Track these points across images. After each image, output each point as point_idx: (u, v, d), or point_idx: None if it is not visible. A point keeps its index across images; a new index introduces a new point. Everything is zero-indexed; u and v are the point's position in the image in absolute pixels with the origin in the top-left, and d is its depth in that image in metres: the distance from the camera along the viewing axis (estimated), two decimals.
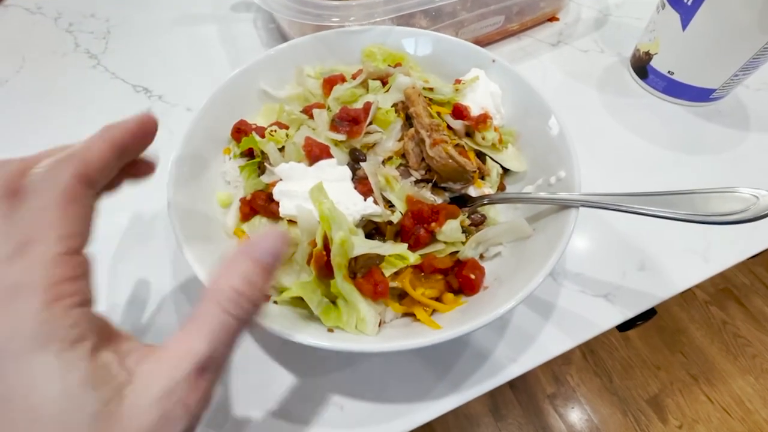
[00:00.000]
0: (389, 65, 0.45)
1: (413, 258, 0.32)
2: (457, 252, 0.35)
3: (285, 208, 0.33)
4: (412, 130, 0.39)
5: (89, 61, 0.61)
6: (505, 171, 0.42)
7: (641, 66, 0.56)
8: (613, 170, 0.48)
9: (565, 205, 0.33)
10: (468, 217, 0.37)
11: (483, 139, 0.40)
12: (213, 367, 0.18)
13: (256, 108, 0.45)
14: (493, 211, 0.39)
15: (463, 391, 0.34)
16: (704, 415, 1.25)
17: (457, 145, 0.38)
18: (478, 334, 0.36)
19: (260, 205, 0.35)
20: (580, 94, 0.56)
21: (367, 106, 0.38)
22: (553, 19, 0.66)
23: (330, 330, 0.30)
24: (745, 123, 0.53)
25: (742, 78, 0.50)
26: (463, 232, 0.35)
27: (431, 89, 0.42)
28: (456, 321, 0.30)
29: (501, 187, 0.41)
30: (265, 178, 0.36)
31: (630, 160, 0.50)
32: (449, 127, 0.40)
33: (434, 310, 0.33)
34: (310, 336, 0.27)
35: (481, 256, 0.37)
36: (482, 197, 0.38)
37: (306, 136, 0.37)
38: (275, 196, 0.34)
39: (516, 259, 0.35)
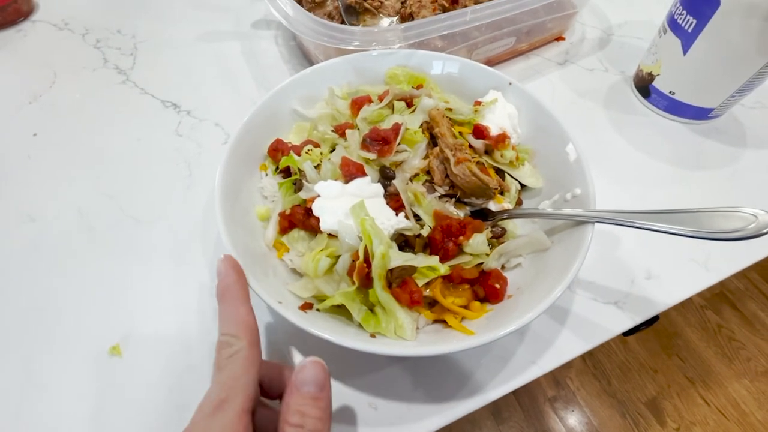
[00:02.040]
0: (412, 87, 0.48)
1: (443, 269, 0.35)
2: (482, 263, 0.38)
3: (326, 224, 0.36)
4: (436, 149, 0.42)
5: (118, 76, 0.63)
6: (522, 187, 0.45)
7: (644, 86, 0.59)
8: (619, 184, 0.52)
9: (581, 221, 0.36)
10: (490, 230, 0.40)
11: (501, 156, 0.43)
12: None
13: (288, 126, 0.48)
14: (511, 225, 0.42)
15: (488, 392, 0.37)
16: (701, 418, 1.28)
17: (478, 163, 0.41)
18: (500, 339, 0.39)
19: (299, 219, 0.38)
20: (587, 111, 0.60)
21: (397, 127, 0.41)
22: (559, 38, 0.70)
23: (372, 335, 0.33)
24: (741, 140, 0.57)
25: (738, 98, 0.54)
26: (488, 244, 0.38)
27: (451, 110, 0.45)
28: (484, 327, 0.33)
29: (518, 202, 0.44)
30: (303, 194, 0.39)
31: (634, 174, 0.53)
32: (470, 146, 0.43)
33: (463, 317, 0.35)
34: (359, 341, 0.30)
35: (503, 267, 0.39)
36: (502, 212, 0.41)
37: (342, 156, 0.40)
38: (315, 212, 0.37)
39: (535, 270, 0.38)
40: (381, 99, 0.46)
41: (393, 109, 0.45)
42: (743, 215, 0.30)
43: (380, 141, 0.41)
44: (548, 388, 1.34)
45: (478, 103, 0.46)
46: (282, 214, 0.40)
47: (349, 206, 0.36)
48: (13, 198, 0.50)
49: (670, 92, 0.56)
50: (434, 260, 0.35)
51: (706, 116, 0.56)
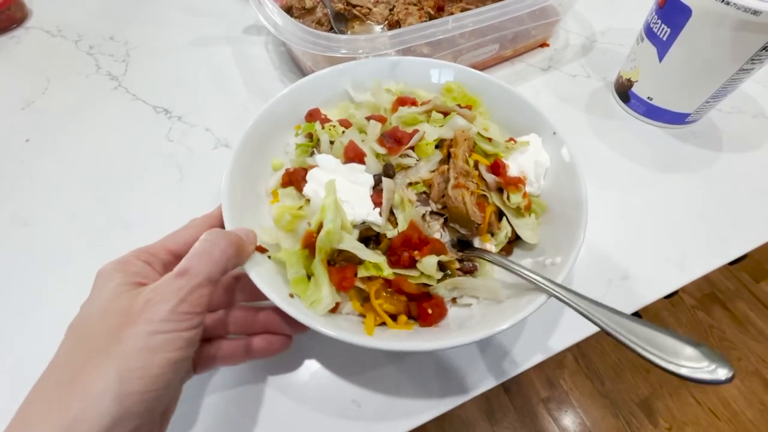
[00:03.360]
0: (459, 105, 0.48)
1: (387, 272, 0.36)
2: (429, 286, 0.37)
3: (306, 189, 0.39)
4: (445, 166, 0.42)
5: (111, 82, 0.65)
6: (518, 238, 0.42)
7: (624, 91, 0.61)
8: (599, 187, 0.53)
9: (539, 287, 0.34)
10: (460, 261, 0.39)
11: (508, 200, 0.41)
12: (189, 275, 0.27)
13: (337, 102, 0.51)
14: (488, 267, 0.40)
15: (463, 393, 0.38)
16: (693, 417, 1.29)
17: (481, 196, 0.41)
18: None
19: (296, 179, 0.41)
20: (569, 116, 0.61)
21: (414, 133, 0.42)
22: (543, 45, 0.71)
23: (291, 296, 0.34)
24: (717, 144, 0.58)
25: (713, 103, 0.55)
26: (445, 270, 0.38)
27: (488, 139, 0.44)
28: (392, 336, 0.35)
29: (507, 250, 0.42)
30: (311, 160, 0.43)
31: (614, 178, 0.54)
32: (482, 178, 0.42)
33: (382, 323, 0.36)
34: (275, 294, 0.33)
35: (454, 300, 0.39)
36: (480, 250, 0.40)
37: (350, 140, 0.42)
38: (307, 177, 0.40)
39: (482, 316, 0.36)
40: (423, 104, 0.47)
41: (428, 118, 0.46)
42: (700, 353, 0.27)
43: (395, 140, 0.42)
44: (542, 388, 1.35)
45: (511, 140, 0.45)
46: (287, 170, 0.43)
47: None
48: (7, 203, 0.51)
49: (649, 98, 0.58)
50: (381, 259, 0.36)
51: (683, 121, 0.58)
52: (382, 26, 0.65)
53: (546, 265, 0.38)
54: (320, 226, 0.35)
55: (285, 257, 0.36)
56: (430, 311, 0.36)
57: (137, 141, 0.57)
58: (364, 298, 0.37)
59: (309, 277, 0.36)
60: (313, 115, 0.46)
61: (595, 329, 0.40)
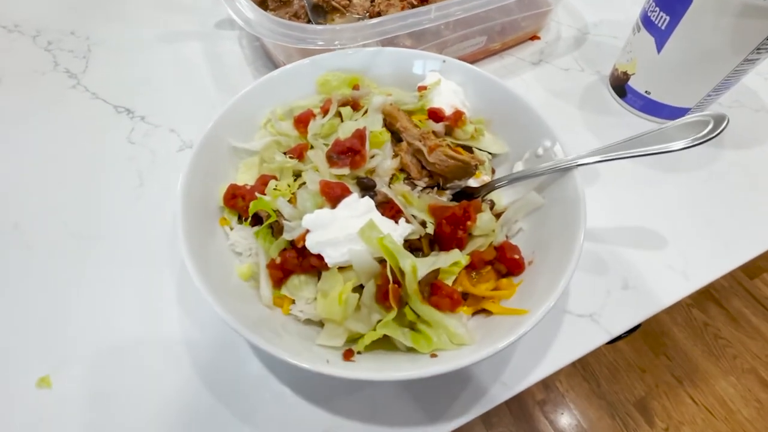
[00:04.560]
0: (354, 88, 0.46)
1: (465, 260, 0.34)
2: (492, 241, 0.37)
3: (333, 258, 0.32)
4: (403, 144, 0.40)
5: (69, 80, 0.60)
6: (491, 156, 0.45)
7: (620, 85, 0.57)
8: (594, 187, 0.50)
9: (564, 169, 0.37)
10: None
11: (464, 133, 0.43)
12: None
13: (232, 169, 0.42)
14: (495, 196, 0.41)
15: (452, 419, 0.35)
16: (689, 417, 1.28)
17: (448, 146, 0.40)
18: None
19: (294, 264, 0.34)
20: (562, 112, 0.58)
21: (361, 133, 0.39)
22: (534, 38, 0.68)
23: (433, 355, 0.30)
24: (719, 140, 0.55)
25: (715, 97, 0.52)
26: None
27: (397, 103, 0.44)
28: (527, 300, 0.32)
29: (492, 172, 0.44)
30: (287, 236, 0.35)
31: (610, 177, 0.51)
32: (432, 131, 0.42)
33: (500, 299, 0.34)
34: (430, 366, 0.28)
35: (506, 238, 0.39)
36: (486, 185, 0.41)
37: (321, 180, 0.36)
38: (313, 250, 0.33)
39: (539, 229, 0.38)
40: (325, 110, 0.43)
41: (342, 117, 0.43)
42: (704, 119, 0.34)
43: (347, 152, 0.38)
44: (537, 391, 1.33)
45: (422, 88, 0.45)
46: (271, 265, 0.35)
47: (350, 231, 0.32)
48: None
49: (646, 92, 0.54)
50: (456, 254, 0.34)
51: (682, 116, 0.55)
52: (363, 19, 0.61)
53: (540, 155, 0.40)
54: (393, 273, 0.31)
55: (387, 331, 0.31)
56: (516, 256, 0.36)
57: (94, 144, 0.53)
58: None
59: (412, 329, 0.32)
60: (237, 195, 0.38)
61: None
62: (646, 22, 0.50)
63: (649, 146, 0.36)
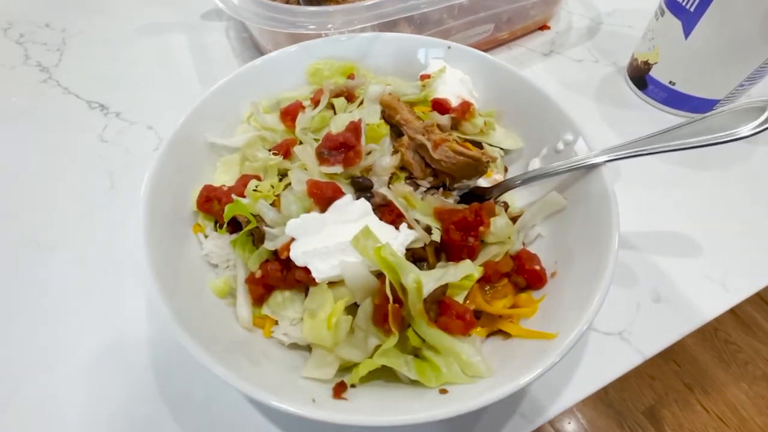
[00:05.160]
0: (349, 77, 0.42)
1: (478, 272, 0.29)
2: (507, 249, 0.32)
3: (321, 271, 0.27)
4: (404, 138, 0.36)
5: (40, 74, 0.55)
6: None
7: (640, 76, 0.53)
8: (616, 186, 0.45)
9: (591, 166, 0.32)
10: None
11: (472, 126, 0.38)
12: None
13: (209, 168, 0.37)
14: (507, 197, 0.37)
15: None
16: (701, 426, 1.24)
17: (455, 141, 0.35)
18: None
19: (277, 278, 0.29)
20: (576, 105, 0.53)
21: (356, 125, 0.34)
22: (544, 27, 0.63)
23: (443, 390, 0.25)
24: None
25: (747, 88, 0.47)
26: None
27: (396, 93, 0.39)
28: (552, 321, 0.27)
29: (505, 170, 0.40)
30: (269, 245, 0.29)
31: (633, 175, 0.46)
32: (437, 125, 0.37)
33: (518, 318, 0.30)
34: (442, 406, 0.23)
35: (523, 245, 0.34)
36: (498, 184, 0.36)
37: (308, 180, 0.31)
38: (298, 262, 0.28)
39: (560, 235, 0.33)
40: (315, 101, 0.38)
41: (334, 110, 0.38)
42: (757, 106, 0.28)
43: (340, 148, 0.33)
44: None
45: (425, 77, 0.40)
46: (251, 280, 0.30)
47: (341, 240, 0.27)
48: None
49: (670, 82, 0.49)
50: (467, 266, 0.29)
51: (710, 109, 0.50)
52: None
53: (560, 150, 0.36)
54: (393, 290, 0.26)
55: (386, 361, 0.26)
56: (537, 267, 0.32)
57: (63, 142, 0.48)
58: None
59: (416, 356, 0.28)
60: (211, 198, 0.33)
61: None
62: (672, 5, 0.46)
63: (694, 138, 0.31)
